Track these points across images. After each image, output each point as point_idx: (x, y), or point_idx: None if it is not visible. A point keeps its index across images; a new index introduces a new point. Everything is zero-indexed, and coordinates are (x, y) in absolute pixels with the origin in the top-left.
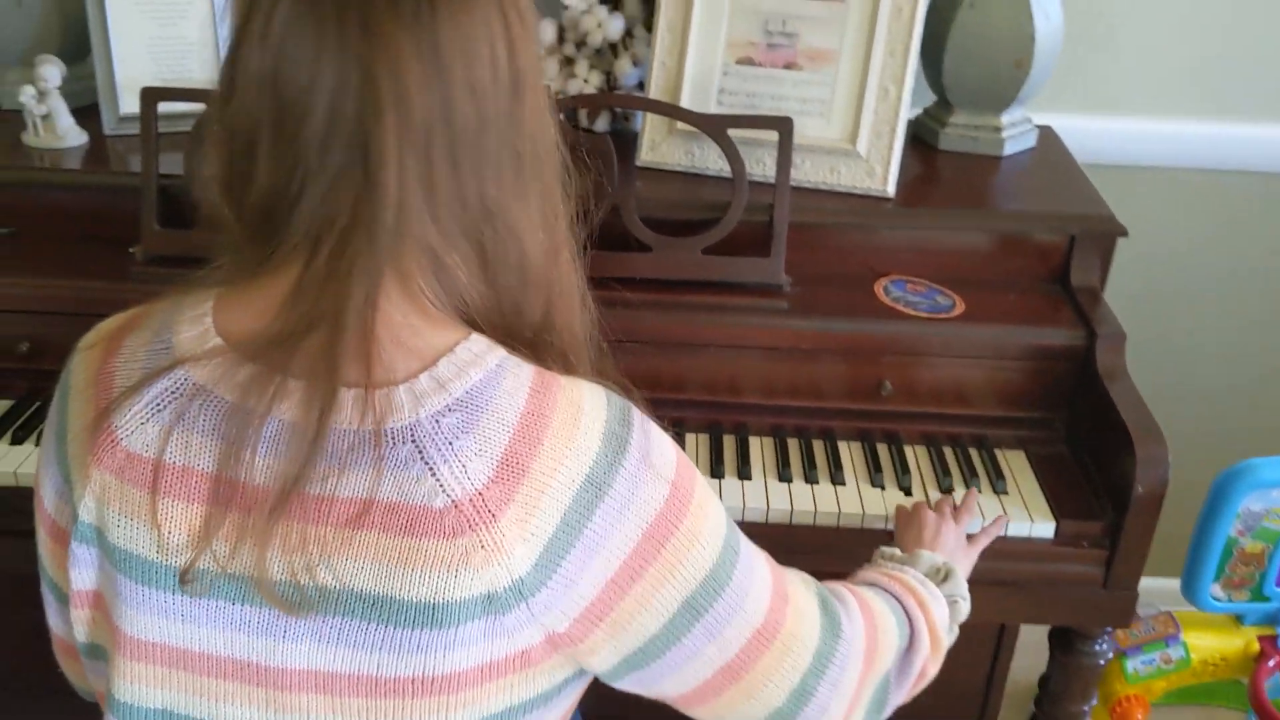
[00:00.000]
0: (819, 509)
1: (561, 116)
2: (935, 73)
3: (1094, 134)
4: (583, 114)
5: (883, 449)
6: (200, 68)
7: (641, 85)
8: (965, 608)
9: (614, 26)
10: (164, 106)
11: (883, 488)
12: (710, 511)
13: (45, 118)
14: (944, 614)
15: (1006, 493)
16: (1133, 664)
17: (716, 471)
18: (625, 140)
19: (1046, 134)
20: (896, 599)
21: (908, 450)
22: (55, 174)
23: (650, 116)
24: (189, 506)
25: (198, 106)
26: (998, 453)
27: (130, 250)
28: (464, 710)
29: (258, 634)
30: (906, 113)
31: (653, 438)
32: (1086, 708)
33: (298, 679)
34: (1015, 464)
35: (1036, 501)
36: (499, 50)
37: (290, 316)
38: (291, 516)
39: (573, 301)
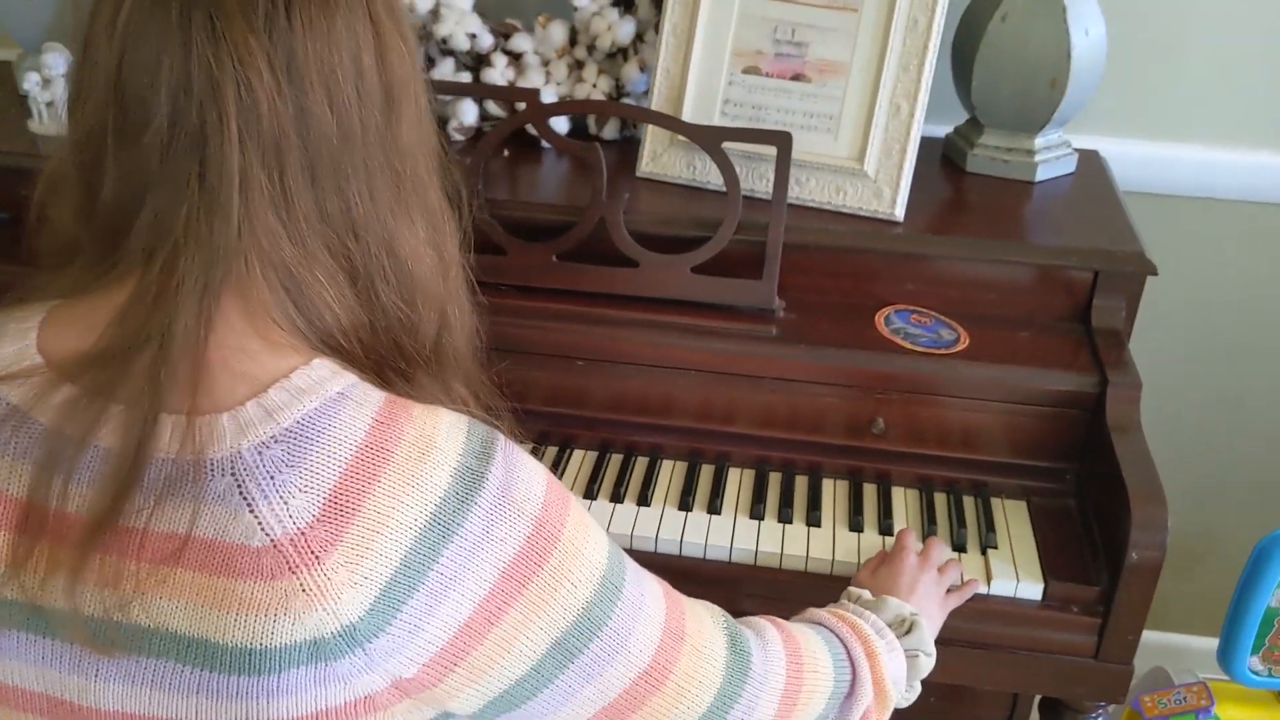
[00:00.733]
0: (785, 551)
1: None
2: (965, 89)
3: (1159, 162)
4: (591, 121)
5: (869, 490)
6: None
7: (648, 93)
8: (927, 663)
9: (624, 30)
10: None
11: (861, 530)
12: (584, 547)
13: (50, 105)
14: (899, 667)
15: (995, 546)
16: None
17: (685, 504)
18: (632, 149)
19: (1089, 159)
20: (840, 641)
21: (895, 493)
22: None
23: (652, 127)
24: None
25: None
26: (995, 502)
27: None
28: None
29: (69, 671)
30: (919, 132)
31: (517, 471)
32: None
33: None
34: (1014, 516)
35: (1027, 559)
36: (365, 60)
37: (115, 335)
38: (106, 549)
39: (465, 320)
